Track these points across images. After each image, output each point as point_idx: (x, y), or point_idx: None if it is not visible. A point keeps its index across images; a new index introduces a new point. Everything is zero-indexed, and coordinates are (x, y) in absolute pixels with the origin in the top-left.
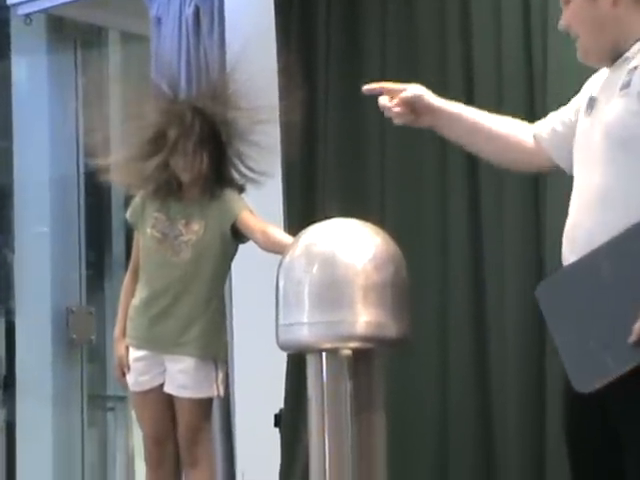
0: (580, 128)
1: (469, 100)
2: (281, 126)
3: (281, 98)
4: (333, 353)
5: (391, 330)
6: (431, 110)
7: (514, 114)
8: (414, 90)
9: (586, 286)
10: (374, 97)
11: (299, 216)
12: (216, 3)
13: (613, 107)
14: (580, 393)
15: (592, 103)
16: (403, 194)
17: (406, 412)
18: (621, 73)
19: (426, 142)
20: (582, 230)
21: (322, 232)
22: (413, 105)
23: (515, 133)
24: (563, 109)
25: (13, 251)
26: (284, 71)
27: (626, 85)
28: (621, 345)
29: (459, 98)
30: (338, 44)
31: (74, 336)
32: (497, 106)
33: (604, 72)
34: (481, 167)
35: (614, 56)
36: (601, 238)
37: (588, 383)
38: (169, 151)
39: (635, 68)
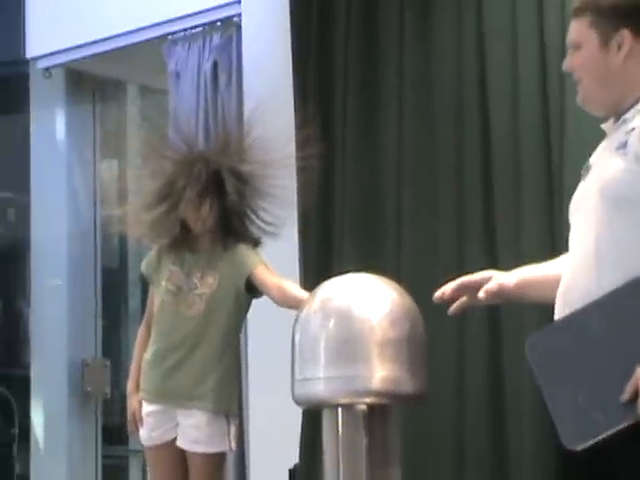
0: (576, 194)
1: (485, 142)
2: (298, 179)
3: (298, 151)
4: (349, 408)
5: (407, 386)
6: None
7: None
8: (490, 277)
9: (577, 342)
10: (390, 150)
11: (315, 268)
12: (234, 58)
13: (609, 167)
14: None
15: (587, 169)
16: (420, 248)
17: (422, 468)
18: (618, 135)
19: (443, 196)
20: (577, 291)
21: (338, 287)
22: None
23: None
24: None
25: (29, 304)
26: (301, 125)
27: (622, 145)
28: (613, 403)
29: (475, 142)
30: (355, 97)
31: (89, 389)
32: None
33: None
34: (498, 224)
35: (613, 109)
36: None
37: (578, 440)
38: (176, 199)
39: (632, 129)
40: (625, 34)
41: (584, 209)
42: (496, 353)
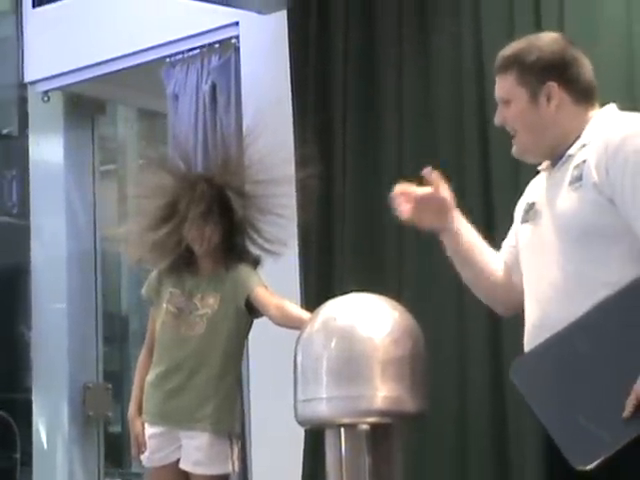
0: (522, 236)
1: (486, 174)
2: (297, 198)
3: (297, 170)
4: (351, 428)
5: (409, 405)
6: (449, 214)
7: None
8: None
9: (562, 363)
10: (390, 168)
11: (315, 287)
12: (233, 79)
13: (565, 202)
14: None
15: (530, 208)
16: (421, 266)
17: None
18: (565, 171)
19: None
20: (554, 320)
21: (340, 307)
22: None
23: (490, 261)
24: (512, 228)
25: (30, 328)
26: (300, 145)
27: (577, 179)
28: (614, 419)
29: (475, 148)
30: (354, 117)
31: (91, 413)
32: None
33: (541, 178)
34: (498, 241)
35: (552, 154)
36: None
37: (586, 459)
38: (179, 220)
39: (584, 162)
40: (552, 86)
41: (536, 248)
42: (498, 369)
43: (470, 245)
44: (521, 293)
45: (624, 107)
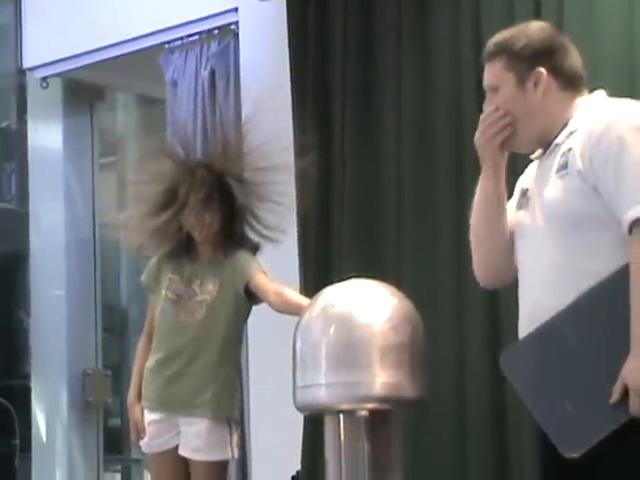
0: (517, 220)
1: None
2: (297, 185)
3: (297, 157)
4: (350, 414)
5: (408, 391)
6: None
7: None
8: None
9: (550, 352)
10: (389, 156)
11: (314, 275)
12: (232, 65)
13: (552, 190)
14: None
15: (524, 195)
16: (420, 253)
17: (423, 473)
18: (553, 159)
19: (443, 199)
20: (545, 309)
21: (339, 293)
22: None
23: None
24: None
25: (29, 314)
26: (299, 131)
27: (563, 166)
28: (601, 406)
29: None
30: (354, 104)
31: (90, 399)
32: None
33: (534, 164)
34: None
35: (541, 143)
36: None
37: (574, 447)
38: (179, 206)
39: (569, 150)
40: (541, 72)
41: (528, 234)
42: (497, 356)
43: (504, 196)
44: (514, 265)
45: (625, 97)
